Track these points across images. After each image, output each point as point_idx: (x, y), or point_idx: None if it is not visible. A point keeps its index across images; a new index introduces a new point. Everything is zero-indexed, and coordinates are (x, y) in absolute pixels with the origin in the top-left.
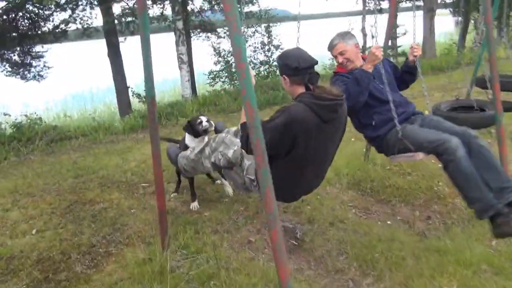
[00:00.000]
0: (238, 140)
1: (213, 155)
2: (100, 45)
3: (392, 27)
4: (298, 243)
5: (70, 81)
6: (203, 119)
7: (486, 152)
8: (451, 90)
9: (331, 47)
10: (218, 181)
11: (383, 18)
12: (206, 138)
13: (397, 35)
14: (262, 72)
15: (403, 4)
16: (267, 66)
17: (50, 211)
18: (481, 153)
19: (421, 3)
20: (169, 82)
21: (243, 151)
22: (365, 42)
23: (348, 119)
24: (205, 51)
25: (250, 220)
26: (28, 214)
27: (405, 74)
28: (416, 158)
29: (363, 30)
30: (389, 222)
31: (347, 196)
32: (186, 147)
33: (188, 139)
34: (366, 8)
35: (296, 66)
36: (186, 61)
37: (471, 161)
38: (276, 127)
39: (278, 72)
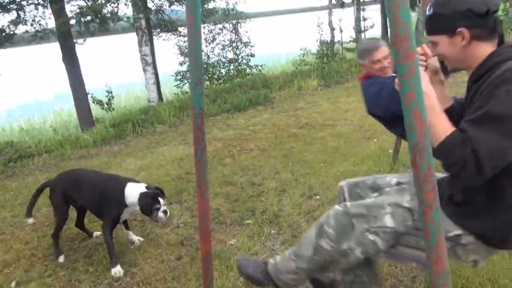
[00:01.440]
0: (373, 198)
1: (355, 246)
2: (53, 49)
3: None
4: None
5: (15, 89)
6: (163, 206)
7: None
8: None
9: (374, 49)
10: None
11: (347, 13)
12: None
13: (365, 28)
14: (232, 71)
15: None
16: (236, 64)
17: (29, 253)
18: None
19: None
20: (123, 86)
21: (413, 203)
22: (333, 36)
23: None
24: (166, 52)
25: (290, 246)
26: (1, 260)
27: None
28: None
29: (330, 24)
30: None
31: None
32: (121, 205)
33: (132, 201)
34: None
35: (487, 9)
36: (151, 63)
37: None
38: None
39: (260, 68)
